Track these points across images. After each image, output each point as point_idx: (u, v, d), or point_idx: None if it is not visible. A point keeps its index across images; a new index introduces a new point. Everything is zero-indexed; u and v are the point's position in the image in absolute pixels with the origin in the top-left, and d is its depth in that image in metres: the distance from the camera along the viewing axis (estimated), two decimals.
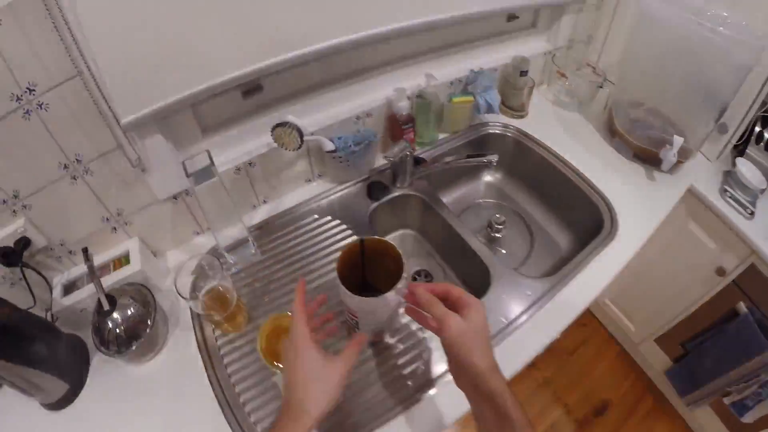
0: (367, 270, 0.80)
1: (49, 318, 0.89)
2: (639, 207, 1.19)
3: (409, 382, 0.84)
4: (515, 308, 0.96)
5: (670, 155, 1.21)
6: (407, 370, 0.86)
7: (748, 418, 1.45)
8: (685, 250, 1.51)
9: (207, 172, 0.84)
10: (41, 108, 0.73)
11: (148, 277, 0.96)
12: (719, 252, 1.41)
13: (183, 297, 0.79)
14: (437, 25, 1.06)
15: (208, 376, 0.85)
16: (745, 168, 1.37)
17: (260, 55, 0.87)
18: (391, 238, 1.26)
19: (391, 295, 0.68)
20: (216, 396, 0.82)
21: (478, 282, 1.05)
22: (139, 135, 0.85)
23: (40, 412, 0.83)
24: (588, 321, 2.15)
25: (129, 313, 0.86)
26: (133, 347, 0.84)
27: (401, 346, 0.89)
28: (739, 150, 1.44)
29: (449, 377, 0.83)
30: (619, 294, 1.90)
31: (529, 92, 1.37)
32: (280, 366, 0.78)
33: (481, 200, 1.44)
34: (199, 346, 0.90)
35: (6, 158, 0.76)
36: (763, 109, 1.35)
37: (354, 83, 1.14)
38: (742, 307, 1.40)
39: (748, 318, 1.37)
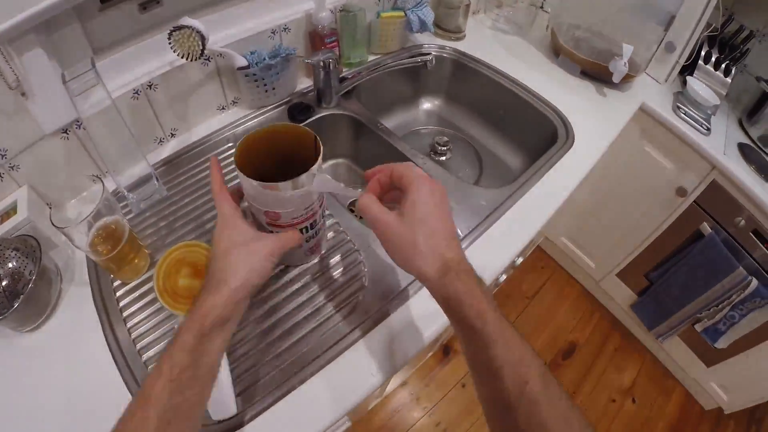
0: None
1: None
2: (593, 119, 1.12)
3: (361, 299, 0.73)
4: (471, 220, 0.85)
5: (620, 65, 1.15)
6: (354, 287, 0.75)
7: (722, 343, 1.41)
8: (643, 173, 1.45)
9: (89, 79, 0.68)
10: None
11: (39, 228, 0.79)
12: (678, 172, 1.36)
13: (56, 226, 0.62)
14: None
15: (105, 336, 0.70)
16: (696, 85, 1.35)
17: None
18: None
19: (302, 183, 0.55)
20: (115, 360, 0.67)
21: None
22: (16, 50, 0.69)
23: None
24: (546, 263, 2.10)
25: (10, 266, 0.72)
26: (15, 305, 0.66)
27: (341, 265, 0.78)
28: (687, 73, 1.42)
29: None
30: (577, 230, 1.84)
31: (465, 11, 1.26)
32: (183, 307, 0.67)
33: (421, 128, 1.32)
34: (95, 303, 0.74)
35: None
36: (709, 30, 1.33)
37: None
38: (707, 227, 1.35)
39: (713, 238, 1.32)
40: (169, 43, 0.82)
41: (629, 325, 1.88)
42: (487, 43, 1.34)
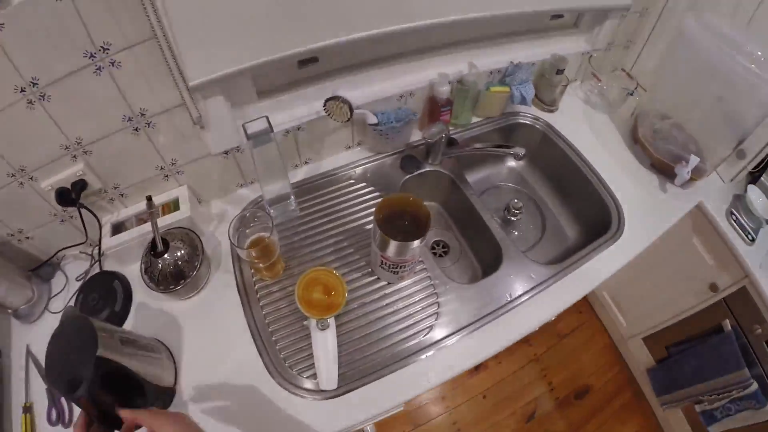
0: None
1: (96, 255, 1.10)
2: (646, 214, 1.33)
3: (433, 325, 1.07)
4: (519, 288, 1.13)
5: (684, 172, 1.32)
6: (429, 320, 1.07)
7: (714, 429, 1.64)
8: (685, 261, 1.66)
9: (265, 137, 0.96)
10: (113, 66, 0.83)
11: (195, 223, 1.12)
12: (716, 269, 1.55)
13: (237, 246, 0.96)
14: (482, 21, 1.17)
15: (245, 313, 1.05)
16: (754, 195, 1.47)
17: (321, 35, 0.99)
18: None
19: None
20: (250, 330, 1.02)
21: (490, 258, 1.25)
22: (203, 95, 0.97)
23: None
24: (584, 309, 2.36)
25: (178, 255, 1.03)
26: (180, 286, 1.01)
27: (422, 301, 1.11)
28: (754, 176, 1.54)
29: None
30: (617, 289, 2.09)
31: (562, 90, 1.51)
32: (314, 312, 0.97)
33: (502, 183, 1.61)
34: (238, 288, 1.09)
35: (73, 108, 0.86)
36: None
37: (401, 64, 1.28)
38: (728, 325, 1.56)
39: (730, 336, 1.53)
40: (324, 108, 1.12)
41: (642, 385, 2.11)
42: (576, 118, 1.57)
